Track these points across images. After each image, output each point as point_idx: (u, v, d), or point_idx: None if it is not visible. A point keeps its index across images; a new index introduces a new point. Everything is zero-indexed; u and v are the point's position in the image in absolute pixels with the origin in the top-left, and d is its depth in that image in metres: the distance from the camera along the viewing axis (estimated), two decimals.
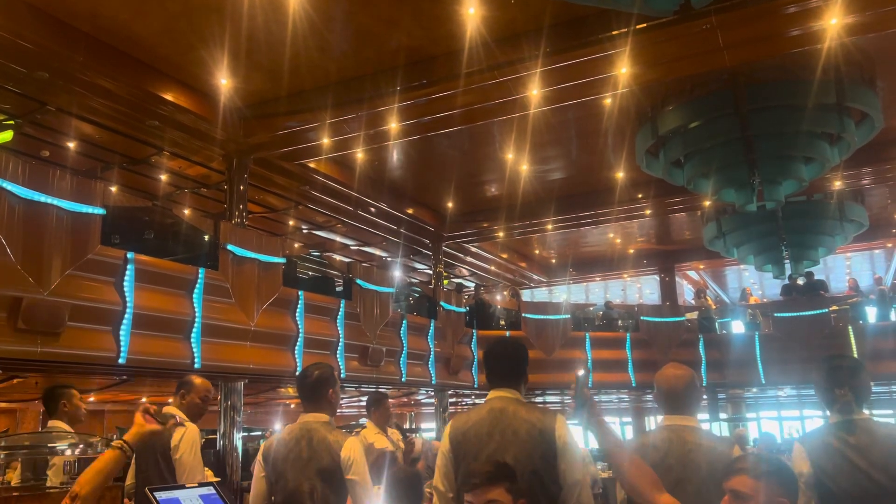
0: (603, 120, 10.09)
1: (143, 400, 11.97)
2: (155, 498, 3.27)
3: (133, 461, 3.93)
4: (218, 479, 6.95)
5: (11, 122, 8.90)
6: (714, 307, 16.75)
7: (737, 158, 9.46)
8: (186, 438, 3.74)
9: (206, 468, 5.27)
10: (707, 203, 13.00)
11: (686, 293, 21.34)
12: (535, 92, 8.31)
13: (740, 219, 12.19)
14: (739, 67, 8.54)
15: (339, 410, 3.65)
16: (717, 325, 15.56)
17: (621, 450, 2.52)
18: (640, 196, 13.29)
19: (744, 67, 8.63)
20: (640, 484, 2.43)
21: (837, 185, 12.15)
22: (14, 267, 6.24)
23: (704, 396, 14.92)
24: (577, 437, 3.03)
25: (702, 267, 19.92)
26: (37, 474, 3.94)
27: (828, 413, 2.90)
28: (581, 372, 2.52)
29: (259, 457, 3.41)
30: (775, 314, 14.80)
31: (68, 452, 3.89)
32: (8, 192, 6.32)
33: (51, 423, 4.40)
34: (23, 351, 6.27)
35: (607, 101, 9.39)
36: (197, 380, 4.05)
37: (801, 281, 15.08)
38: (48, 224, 6.62)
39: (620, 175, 12.54)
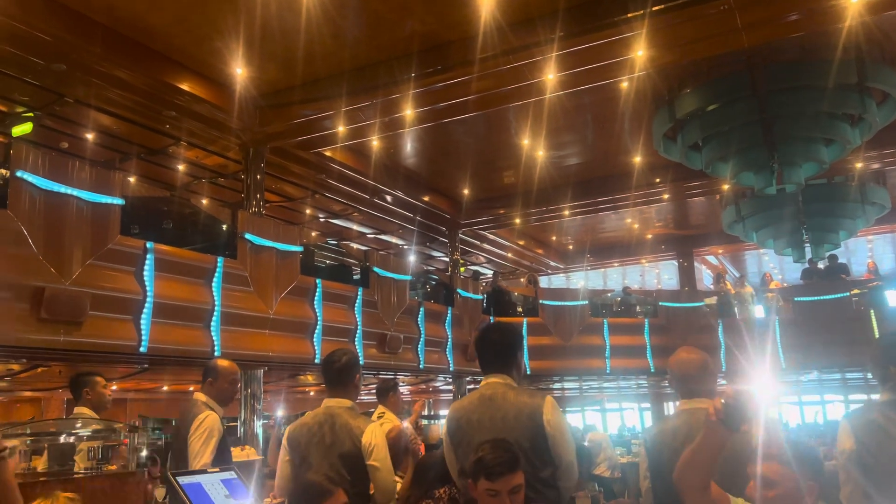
0: (619, 104, 10.00)
1: (164, 388, 12.11)
2: (178, 482, 3.33)
3: (287, 447, 3.95)
4: (260, 458, 7.04)
5: (31, 114, 8.99)
6: (733, 292, 16.61)
7: (756, 141, 9.36)
8: (204, 424, 3.78)
9: (247, 446, 5.27)
10: (726, 187, 12.87)
11: (705, 278, 21.19)
12: (550, 76, 8.25)
13: (759, 202, 12.07)
14: (758, 48, 8.43)
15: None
16: (735, 310, 15.44)
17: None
18: (657, 180, 13.19)
19: (762, 48, 8.52)
20: (692, 476, 2.29)
21: (859, 166, 11.97)
22: (36, 257, 6.32)
23: (724, 382, 14.84)
24: (568, 420, 3.01)
25: (721, 252, 19.76)
26: (63, 461, 4.00)
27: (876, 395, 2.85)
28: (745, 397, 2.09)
29: (284, 441, 3.45)
30: (795, 298, 14.64)
31: (92, 438, 3.95)
32: (29, 183, 6.40)
33: (76, 409, 4.47)
34: (46, 340, 6.37)
35: (624, 85, 9.30)
36: (222, 364, 4.04)
37: (821, 264, 14.91)
38: (68, 215, 6.70)
39: (638, 159, 12.45)
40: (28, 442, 4.00)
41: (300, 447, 3.36)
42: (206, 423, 3.78)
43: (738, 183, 11.11)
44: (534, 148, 11.94)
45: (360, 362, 3.57)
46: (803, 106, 9.04)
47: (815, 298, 14.15)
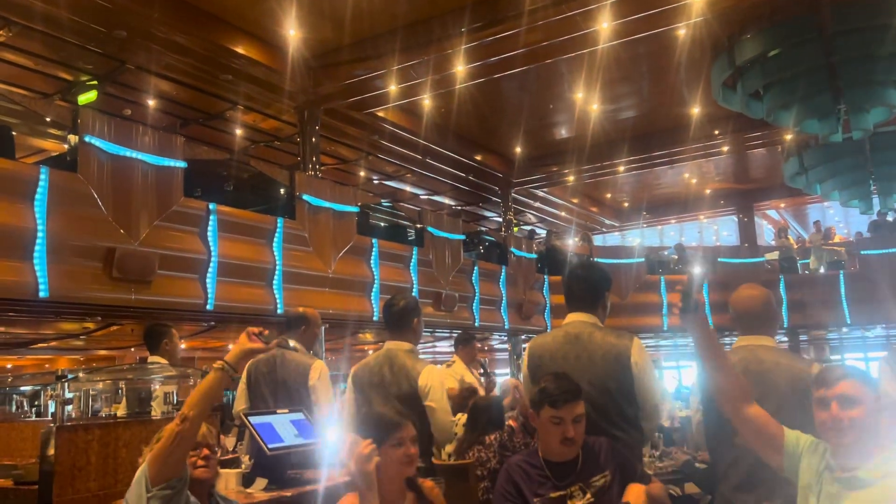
0: (676, 53, 9.73)
1: (230, 347, 12.56)
2: (249, 422, 3.49)
3: (245, 389, 4.17)
4: None
5: (95, 81, 9.27)
6: (796, 247, 16.17)
7: (821, 86, 8.98)
8: (324, 374, 4.02)
9: None
10: (788, 137, 12.45)
11: (766, 234, 20.65)
12: (604, 25, 8.08)
13: (824, 152, 11.62)
14: None
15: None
16: (798, 265, 15.04)
17: (721, 357, 2.43)
18: (716, 132, 12.83)
19: None
20: (731, 391, 2.37)
21: None
22: (106, 219, 6.58)
23: (785, 339, 14.53)
24: (654, 365, 3.01)
25: (783, 206, 19.19)
26: (141, 406, 4.21)
27: None
28: (697, 270, 2.42)
29: (349, 380, 3.57)
30: (861, 252, 14.16)
31: (169, 384, 4.15)
32: (96, 147, 6.64)
33: (151, 358, 4.69)
34: (118, 298, 6.65)
35: (681, 32, 9.03)
36: (310, 311, 4.28)
37: (890, 216, 14.36)
38: (134, 178, 6.93)
39: (695, 111, 12.11)
40: (108, 385, 4.22)
41: (362, 387, 3.47)
42: (326, 371, 4.03)
43: (801, 132, 10.72)
44: (587, 102, 11.74)
45: (419, 307, 3.63)
46: (871, 47, 8.61)
47: (883, 252, 13.67)
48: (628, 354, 2.85)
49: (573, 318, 3.05)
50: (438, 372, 3.47)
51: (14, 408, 7.49)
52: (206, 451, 2.64)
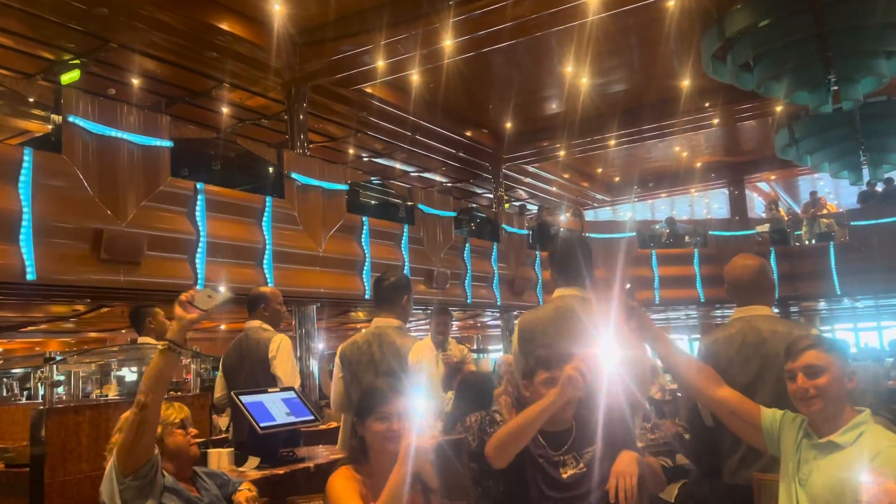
0: (665, 25, 9.64)
1: (222, 327, 12.53)
2: (241, 401, 3.47)
3: (221, 375, 4.16)
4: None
5: (77, 61, 9.12)
6: (786, 219, 16.21)
7: (811, 57, 8.92)
8: (283, 347, 3.95)
9: None
10: (778, 108, 12.42)
11: (757, 207, 20.68)
12: None
13: (814, 123, 11.60)
14: None
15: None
16: (790, 237, 15.09)
17: (676, 353, 2.55)
18: (706, 105, 12.78)
19: None
20: (697, 381, 2.48)
21: None
22: (93, 200, 6.52)
23: (776, 310, 14.63)
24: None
25: (773, 178, 19.20)
26: (132, 387, 4.20)
27: None
28: (627, 286, 2.48)
29: (337, 359, 3.54)
30: (852, 223, 14.22)
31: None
32: (81, 128, 6.55)
33: (140, 340, 4.67)
34: (108, 280, 6.61)
35: (670, 4, 8.97)
36: (266, 289, 4.24)
37: (879, 187, 14.39)
38: (120, 158, 6.86)
39: (685, 83, 12.05)
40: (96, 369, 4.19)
41: (350, 365, 3.45)
42: (286, 345, 3.97)
43: (791, 103, 10.69)
44: (577, 76, 11.65)
45: (409, 284, 3.60)
46: (861, 17, 8.55)
47: (873, 222, 13.73)
48: None
49: (562, 292, 3.05)
50: (430, 348, 3.44)
51: (5, 391, 7.47)
52: (194, 431, 2.65)
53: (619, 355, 2.47)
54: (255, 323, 4.07)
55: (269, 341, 3.95)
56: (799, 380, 2.20)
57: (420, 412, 2.13)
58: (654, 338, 2.53)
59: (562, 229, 14.77)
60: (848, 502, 1.76)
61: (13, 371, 7.38)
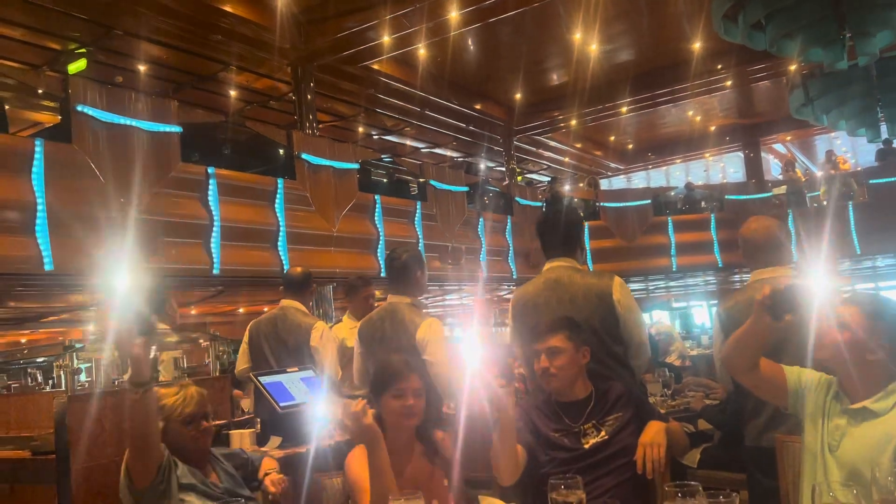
0: None
1: (241, 311, 12.61)
2: (260, 381, 3.49)
3: (247, 348, 4.17)
4: None
5: (83, 50, 9.11)
6: (804, 180, 15.99)
7: (824, 12, 8.72)
8: (326, 338, 4.03)
9: None
10: (792, 67, 12.17)
11: (773, 169, 20.42)
12: None
13: (830, 81, 11.35)
14: None
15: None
16: (807, 198, 14.88)
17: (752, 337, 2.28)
18: (719, 67, 12.58)
19: None
20: (745, 365, 2.26)
21: None
22: (105, 188, 6.53)
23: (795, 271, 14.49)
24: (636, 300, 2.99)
25: (789, 139, 18.93)
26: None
27: None
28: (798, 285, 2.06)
29: (356, 336, 3.56)
30: (870, 181, 13.99)
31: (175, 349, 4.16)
32: (90, 117, 6.55)
33: None
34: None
35: None
36: (307, 271, 4.24)
37: None
38: (130, 145, 6.85)
39: (697, 46, 11.84)
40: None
41: (366, 342, 3.47)
42: (328, 335, 4.02)
43: (806, 61, 10.47)
44: (586, 43, 11.48)
45: (422, 260, 3.58)
46: None
47: (892, 179, 13.50)
48: (610, 293, 2.84)
49: (551, 264, 3.03)
50: (439, 326, 3.44)
51: (29, 381, 7.58)
52: (205, 424, 2.58)
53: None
54: (295, 304, 4.07)
55: (311, 328, 3.97)
56: (822, 333, 2.12)
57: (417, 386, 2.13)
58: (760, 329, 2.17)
59: (581, 200, 14.67)
60: (885, 474, 1.68)
61: (37, 360, 7.50)
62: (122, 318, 2.09)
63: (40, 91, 9.47)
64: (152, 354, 4.22)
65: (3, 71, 9.35)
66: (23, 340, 13.81)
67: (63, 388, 5.32)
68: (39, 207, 5.98)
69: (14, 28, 8.60)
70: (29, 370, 7.61)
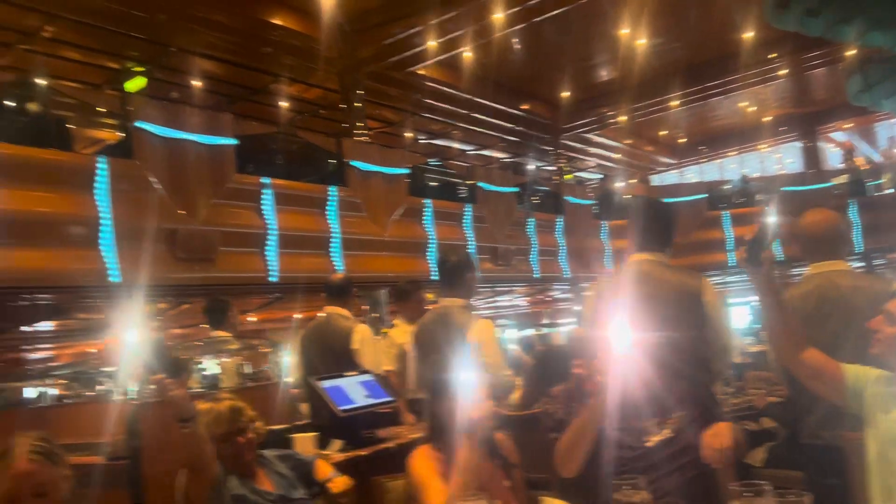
0: None
1: (297, 316, 12.83)
2: (321, 386, 3.56)
3: (300, 359, 4.27)
4: None
5: (141, 68, 9.43)
6: (866, 167, 15.45)
7: None
8: (366, 340, 4.11)
9: None
10: (849, 53, 11.79)
11: (830, 159, 19.79)
12: None
13: (890, 65, 10.97)
14: None
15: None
16: (868, 186, 14.37)
17: (779, 310, 2.30)
18: (772, 56, 12.25)
19: None
20: (786, 343, 2.31)
21: None
22: (165, 201, 6.74)
23: (861, 264, 14.00)
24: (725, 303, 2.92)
25: (848, 126, 18.31)
26: (211, 379, 4.35)
27: None
28: (770, 218, 2.14)
29: (412, 339, 3.60)
30: None
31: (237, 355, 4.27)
32: (149, 133, 6.77)
33: (213, 333, 4.81)
34: (185, 277, 6.84)
35: None
36: (348, 277, 4.31)
37: None
38: (188, 159, 7.05)
39: (748, 35, 11.56)
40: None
41: (420, 344, 3.50)
42: (367, 336, 4.13)
43: (864, 45, 10.13)
44: (633, 38, 11.33)
45: (474, 262, 3.60)
46: None
47: None
48: (700, 292, 2.77)
49: (641, 257, 2.94)
50: (491, 326, 3.46)
51: (100, 389, 7.87)
52: (240, 441, 2.58)
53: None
54: (338, 309, 4.16)
55: (351, 331, 4.06)
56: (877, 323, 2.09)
57: (473, 387, 2.12)
58: (765, 289, 2.22)
59: (635, 196, 14.46)
60: None
61: (107, 369, 7.79)
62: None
63: (101, 109, 9.83)
64: (218, 362, 4.36)
65: (66, 91, 9.73)
66: (94, 350, 14.33)
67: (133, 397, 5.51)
68: (104, 222, 6.21)
69: (75, 50, 8.95)
70: (99, 379, 7.89)
